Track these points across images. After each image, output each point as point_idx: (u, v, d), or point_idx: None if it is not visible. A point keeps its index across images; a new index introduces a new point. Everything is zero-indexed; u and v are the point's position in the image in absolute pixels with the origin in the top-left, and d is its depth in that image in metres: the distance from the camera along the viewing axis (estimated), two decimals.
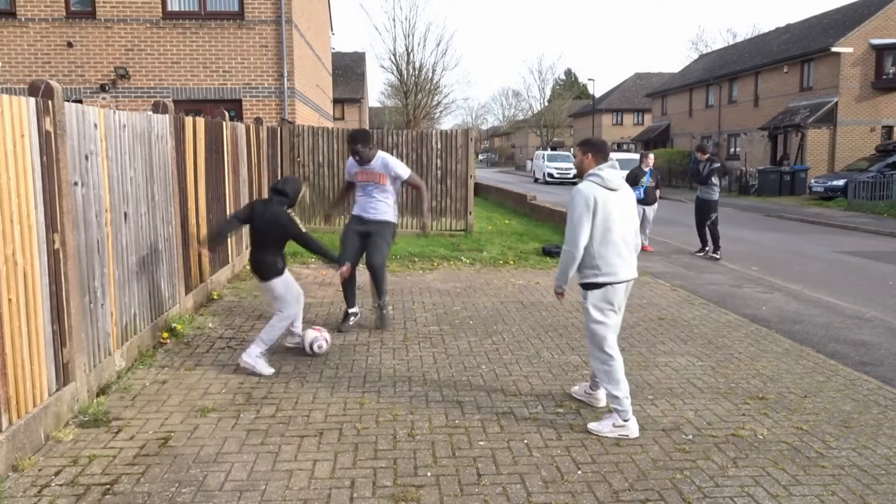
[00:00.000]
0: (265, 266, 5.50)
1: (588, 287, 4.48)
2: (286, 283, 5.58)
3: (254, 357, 5.39)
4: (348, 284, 6.71)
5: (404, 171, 6.63)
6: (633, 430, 4.39)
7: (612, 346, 4.52)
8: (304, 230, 5.52)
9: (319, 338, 5.79)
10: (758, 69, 34.13)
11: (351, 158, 6.66)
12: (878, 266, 11.95)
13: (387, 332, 6.67)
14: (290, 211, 5.53)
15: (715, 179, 12.06)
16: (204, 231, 7.57)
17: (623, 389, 4.43)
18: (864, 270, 11.49)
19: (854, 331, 7.30)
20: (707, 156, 12.19)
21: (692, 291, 9.03)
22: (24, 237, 3.87)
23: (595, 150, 4.56)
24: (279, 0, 14.48)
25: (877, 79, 28.83)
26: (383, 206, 6.60)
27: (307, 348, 5.79)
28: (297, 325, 6.02)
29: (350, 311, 6.78)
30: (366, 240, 6.56)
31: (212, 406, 4.71)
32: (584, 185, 4.43)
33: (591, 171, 4.50)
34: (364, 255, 6.61)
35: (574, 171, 42.51)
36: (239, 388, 5.08)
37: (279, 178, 12.32)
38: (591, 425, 4.48)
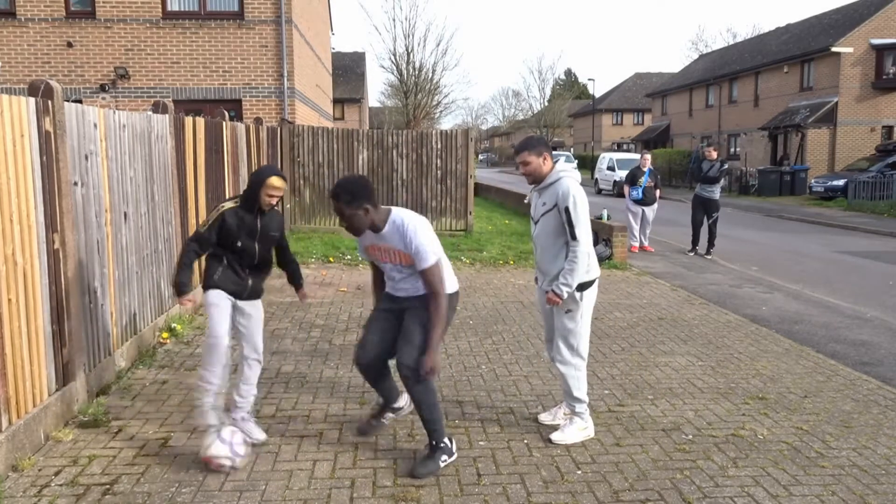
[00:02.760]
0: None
1: (584, 287, 4.18)
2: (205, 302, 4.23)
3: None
4: (377, 381, 4.22)
5: (426, 255, 3.78)
6: (592, 426, 4.37)
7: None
8: (197, 231, 4.19)
9: (231, 454, 3.75)
10: (758, 69, 34.14)
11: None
12: (878, 266, 11.94)
13: None
14: (229, 204, 4.12)
15: (724, 179, 12.13)
16: None
17: (586, 393, 4.36)
18: (864, 270, 11.49)
19: (854, 331, 7.30)
20: (717, 156, 12.20)
21: (692, 291, 9.03)
22: (23, 237, 3.87)
23: (547, 147, 4.31)
24: (279, 0, 14.48)
25: (877, 79, 28.84)
26: (419, 282, 3.96)
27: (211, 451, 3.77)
28: (242, 397, 4.27)
29: (389, 406, 4.36)
30: (399, 322, 4.04)
31: None
32: (575, 185, 4.15)
33: (562, 170, 4.22)
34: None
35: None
36: None
37: None
38: (555, 436, 4.26)
